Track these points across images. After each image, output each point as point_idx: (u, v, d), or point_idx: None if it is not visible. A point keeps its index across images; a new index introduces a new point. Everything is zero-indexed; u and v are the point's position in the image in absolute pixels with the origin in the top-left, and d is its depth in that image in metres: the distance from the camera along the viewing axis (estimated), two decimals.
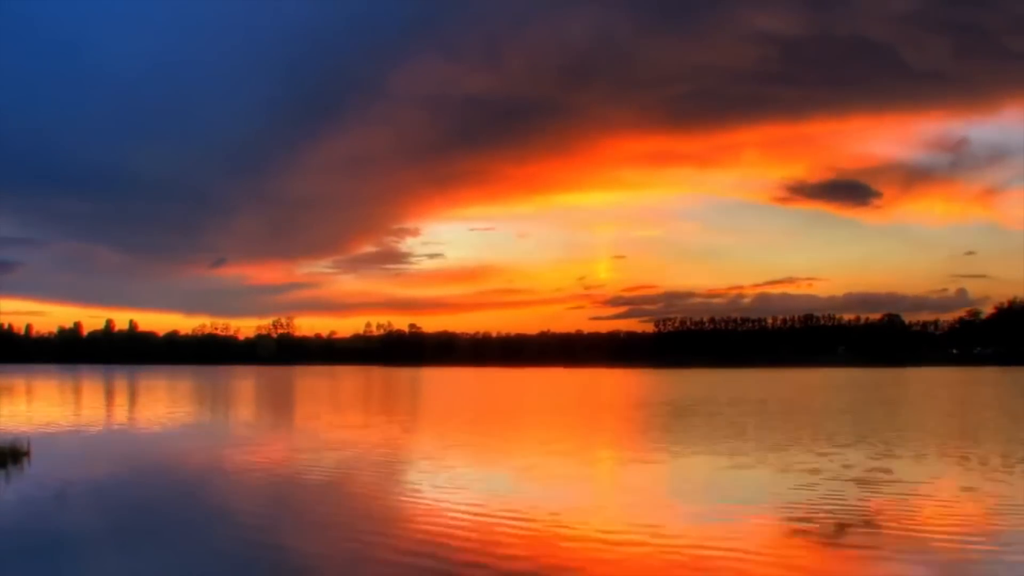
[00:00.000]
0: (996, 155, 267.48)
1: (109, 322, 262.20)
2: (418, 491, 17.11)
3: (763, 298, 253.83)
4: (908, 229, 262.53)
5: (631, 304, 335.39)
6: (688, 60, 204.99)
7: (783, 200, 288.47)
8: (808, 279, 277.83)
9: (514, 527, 13.06)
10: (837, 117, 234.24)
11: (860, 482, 17.59)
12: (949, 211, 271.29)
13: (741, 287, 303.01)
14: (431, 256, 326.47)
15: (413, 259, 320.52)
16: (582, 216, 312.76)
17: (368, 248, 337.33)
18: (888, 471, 19.12)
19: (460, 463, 21.20)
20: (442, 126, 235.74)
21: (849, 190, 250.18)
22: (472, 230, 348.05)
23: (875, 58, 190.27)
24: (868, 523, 13.50)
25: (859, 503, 15.30)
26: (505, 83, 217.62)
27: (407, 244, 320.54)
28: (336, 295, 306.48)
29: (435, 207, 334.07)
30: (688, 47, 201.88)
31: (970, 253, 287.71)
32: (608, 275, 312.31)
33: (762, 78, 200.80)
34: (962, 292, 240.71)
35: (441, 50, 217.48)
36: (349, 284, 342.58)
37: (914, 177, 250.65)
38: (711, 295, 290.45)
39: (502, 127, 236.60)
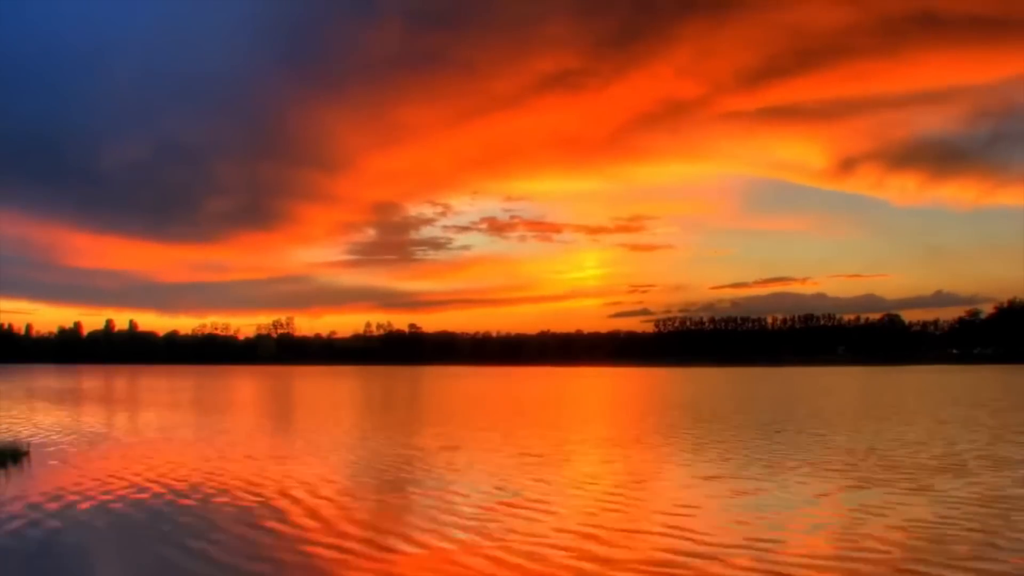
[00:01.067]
0: None
1: (109, 322, 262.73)
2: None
3: (765, 297, 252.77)
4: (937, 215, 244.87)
5: (632, 303, 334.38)
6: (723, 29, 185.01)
7: (807, 180, 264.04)
8: (806, 277, 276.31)
9: None
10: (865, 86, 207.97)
11: None
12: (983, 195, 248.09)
13: (746, 284, 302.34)
14: (435, 247, 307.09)
15: (415, 249, 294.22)
16: (586, 200, 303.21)
17: (366, 237, 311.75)
18: None
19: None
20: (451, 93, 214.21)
21: (877, 170, 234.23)
22: (476, 220, 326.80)
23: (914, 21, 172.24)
24: None
25: None
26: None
27: (410, 232, 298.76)
28: (333, 289, 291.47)
29: (442, 188, 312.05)
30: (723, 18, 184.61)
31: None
32: (609, 270, 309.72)
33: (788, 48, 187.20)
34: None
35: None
36: (347, 277, 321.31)
37: (950, 155, 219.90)
38: (715, 291, 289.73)
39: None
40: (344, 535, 12.88)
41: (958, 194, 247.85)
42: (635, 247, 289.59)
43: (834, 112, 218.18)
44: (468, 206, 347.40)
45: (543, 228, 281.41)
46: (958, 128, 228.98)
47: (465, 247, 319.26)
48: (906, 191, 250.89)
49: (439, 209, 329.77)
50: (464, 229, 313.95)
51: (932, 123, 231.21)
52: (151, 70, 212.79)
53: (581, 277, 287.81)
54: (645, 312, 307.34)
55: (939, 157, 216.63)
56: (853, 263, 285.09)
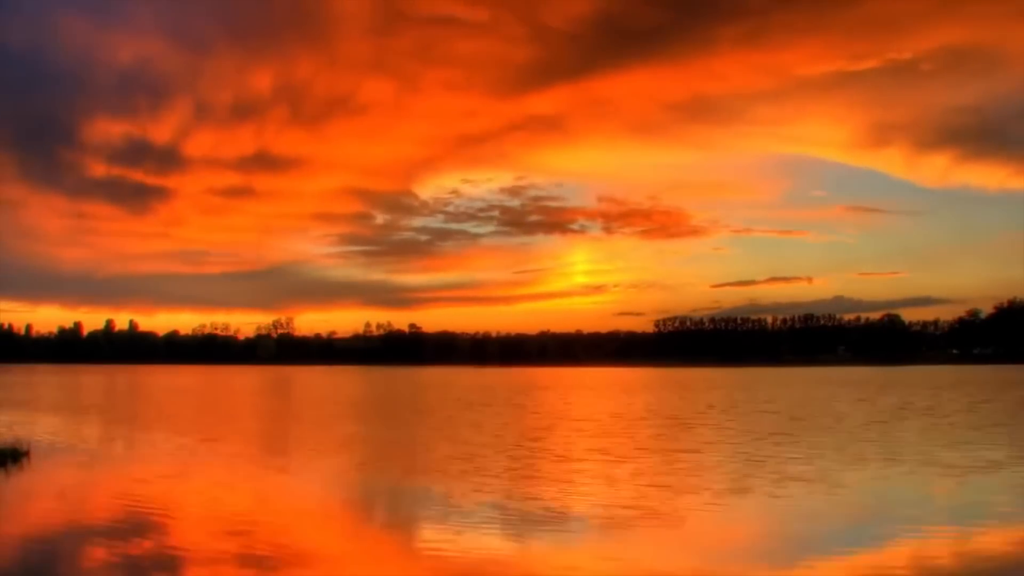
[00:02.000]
0: None
1: (109, 322, 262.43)
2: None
3: (766, 297, 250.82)
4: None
5: (634, 301, 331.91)
6: None
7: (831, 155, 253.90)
8: (809, 276, 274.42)
9: None
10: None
11: None
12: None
13: (754, 282, 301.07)
14: (437, 238, 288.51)
15: (414, 240, 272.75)
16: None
17: (363, 228, 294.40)
18: None
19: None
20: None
21: (905, 150, 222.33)
22: (483, 207, 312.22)
23: None
24: None
25: None
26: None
27: (411, 221, 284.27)
28: (328, 283, 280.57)
29: (442, 176, 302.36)
30: None
31: None
32: (612, 266, 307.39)
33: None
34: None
35: None
36: (341, 271, 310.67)
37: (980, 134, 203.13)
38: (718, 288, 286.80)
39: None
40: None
41: (985, 178, 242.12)
42: (640, 240, 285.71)
43: (867, 86, 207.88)
44: (471, 194, 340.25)
45: (549, 214, 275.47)
46: (992, 102, 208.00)
47: (468, 238, 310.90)
48: (934, 169, 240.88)
49: (442, 200, 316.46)
50: (471, 217, 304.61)
51: (963, 97, 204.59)
52: (132, 55, 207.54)
53: (580, 272, 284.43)
54: (643, 313, 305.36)
55: (967, 136, 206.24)
56: (854, 261, 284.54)
